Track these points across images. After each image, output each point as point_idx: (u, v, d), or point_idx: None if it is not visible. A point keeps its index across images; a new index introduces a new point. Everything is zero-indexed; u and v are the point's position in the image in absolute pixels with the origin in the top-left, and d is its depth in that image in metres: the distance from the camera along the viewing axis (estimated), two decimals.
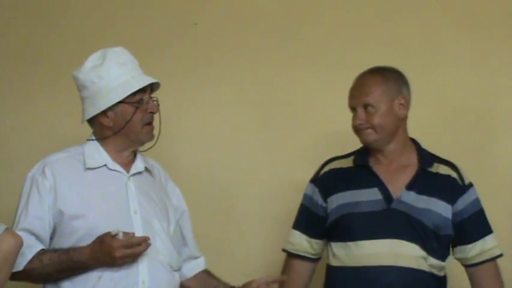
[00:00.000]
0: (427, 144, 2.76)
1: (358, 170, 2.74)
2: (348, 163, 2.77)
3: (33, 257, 2.46)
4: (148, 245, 2.43)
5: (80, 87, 2.57)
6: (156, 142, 2.60)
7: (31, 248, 2.46)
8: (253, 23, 3.44)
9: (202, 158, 3.40)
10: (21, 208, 2.51)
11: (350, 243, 2.67)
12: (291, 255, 2.83)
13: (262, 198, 3.37)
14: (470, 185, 2.74)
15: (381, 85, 2.66)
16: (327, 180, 2.77)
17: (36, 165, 2.56)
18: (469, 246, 2.73)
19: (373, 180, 2.69)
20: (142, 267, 2.47)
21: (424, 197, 2.66)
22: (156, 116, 2.58)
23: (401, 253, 2.63)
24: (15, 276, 2.46)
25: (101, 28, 3.42)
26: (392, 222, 2.65)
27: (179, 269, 2.65)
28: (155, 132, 2.59)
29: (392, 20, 3.40)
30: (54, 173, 2.51)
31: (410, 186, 2.67)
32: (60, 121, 3.37)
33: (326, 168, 2.80)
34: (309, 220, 2.80)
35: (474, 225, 2.73)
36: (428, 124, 3.26)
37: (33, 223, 2.48)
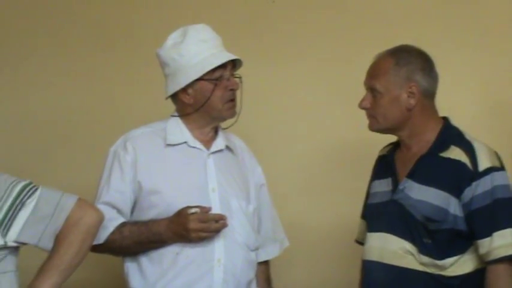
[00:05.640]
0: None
1: (386, 158, 2.57)
2: (388, 150, 2.61)
3: (114, 230, 2.49)
4: (225, 224, 2.43)
5: (162, 65, 2.57)
6: (237, 119, 2.59)
7: (112, 221, 2.49)
8: (331, 1, 3.42)
9: (281, 135, 3.40)
10: (103, 182, 2.55)
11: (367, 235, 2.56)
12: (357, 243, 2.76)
13: (341, 173, 3.36)
14: (487, 171, 2.35)
15: (390, 70, 2.43)
16: (374, 167, 2.66)
17: (118, 140, 2.58)
18: (479, 242, 2.36)
19: (389, 170, 2.52)
20: (219, 246, 2.47)
21: (423, 187, 2.39)
22: (238, 93, 2.57)
23: (387, 248, 2.42)
24: (97, 249, 2.50)
25: (179, 7, 3.42)
26: (389, 214, 2.44)
27: (257, 249, 2.64)
28: (237, 109, 2.58)
29: None
30: (135, 148, 2.53)
31: (410, 175, 2.43)
32: (136, 100, 3.40)
33: (379, 154, 2.66)
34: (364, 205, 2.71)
35: (483, 218, 2.34)
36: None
37: (114, 197, 2.51)
